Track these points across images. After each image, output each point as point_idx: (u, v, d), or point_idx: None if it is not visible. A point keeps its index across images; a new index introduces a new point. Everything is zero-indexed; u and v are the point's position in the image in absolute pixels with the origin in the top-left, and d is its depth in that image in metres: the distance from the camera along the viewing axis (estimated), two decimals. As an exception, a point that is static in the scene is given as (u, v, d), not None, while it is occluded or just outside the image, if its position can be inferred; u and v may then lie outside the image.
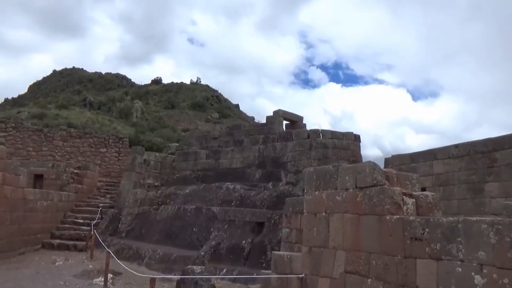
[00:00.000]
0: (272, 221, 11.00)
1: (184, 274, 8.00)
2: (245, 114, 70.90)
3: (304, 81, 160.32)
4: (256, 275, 9.79)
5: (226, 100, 73.03)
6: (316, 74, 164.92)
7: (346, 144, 15.02)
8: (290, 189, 11.87)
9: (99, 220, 15.49)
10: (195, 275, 7.68)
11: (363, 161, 15.01)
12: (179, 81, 77.26)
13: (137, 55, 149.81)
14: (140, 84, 77.86)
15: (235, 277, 9.05)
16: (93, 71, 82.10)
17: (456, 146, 9.95)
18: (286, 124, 19.78)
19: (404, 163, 11.12)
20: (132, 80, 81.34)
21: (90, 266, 11.49)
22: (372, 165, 5.38)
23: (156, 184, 16.61)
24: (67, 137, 22.08)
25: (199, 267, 7.95)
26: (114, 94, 58.78)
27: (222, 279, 9.53)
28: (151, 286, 5.92)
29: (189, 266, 8.03)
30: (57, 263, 11.78)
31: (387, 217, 4.98)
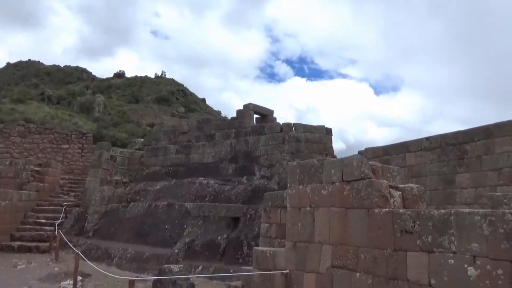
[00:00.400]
0: (248, 216, 10.84)
1: (161, 273, 7.69)
2: (211, 108, 70.10)
3: (270, 75, 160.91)
4: (234, 271, 9.61)
5: (192, 94, 71.90)
6: (282, 68, 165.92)
7: (318, 138, 15.05)
8: (266, 183, 11.73)
9: (63, 220, 14.78)
10: (173, 275, 7.40)
11: (335, 154, 15.14)
12: (143, 75, 75.22)
13: (98, 47, 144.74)
14: (102, 77, 75.31)
15: (215, 275, 8.81)
16: (51, 64, 78.57)
17: (428, 138, 10.15)
18: (256, 117, 19.67)
19: (377, 156, 11.24)
20: (93, 73, 78.50)
21: (56, 269, 10.90)
22: (360, 158, 5.31)
23: (124, 180, 16.02)
24: (25, 133, 20.91)
25: (177, 266, 7.67)
26: (74, 88, 56.55)
27: (200, 277, 9.27)
28: (129, 289, 5.60)
29: (166, 266, 7.73)
30: (18, 267, 11.08)
31: (376, 211, 4.92)
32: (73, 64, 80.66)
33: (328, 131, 15.52)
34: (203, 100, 73.69)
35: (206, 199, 12.69)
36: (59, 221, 14.38)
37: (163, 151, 17.20)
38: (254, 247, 7.12)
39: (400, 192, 5.22)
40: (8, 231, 13.70)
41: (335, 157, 14.35)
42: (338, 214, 5.46)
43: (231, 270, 9.74)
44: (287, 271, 6.10)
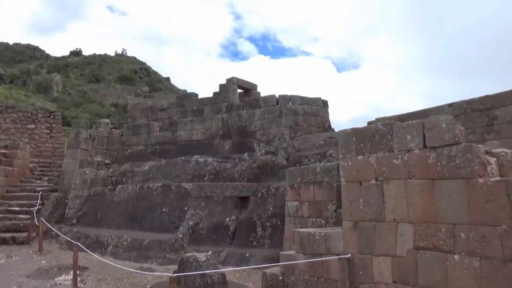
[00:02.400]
0: (259, 195, 9.86)
1: (183, 263, 6.62)
2: (176, 87, 67.47)
3: (233, 53, 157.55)
4: (250, 255, 8.73)
5: (155, 73, 68.83)
6: (245, 46, 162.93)
7: (316, 110, 14.18)
8: (273, 158, 10.75)
9: (40, 207, 13.14)
10: (199, 265, 6.35)
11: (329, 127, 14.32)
12: (102, 53, 70.82)
13: (49, 23, 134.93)
14: (57, 56, 70.33)
15: (254, 267, 7.81)
16: (-3, 42, 72.31)
17: (451, 105, 9.49)
18: (239, 92, 18.57)
19: (392, 126, 10.51)
20: (46, 51, 73.12)
21: (43, 262, 9.50)
22: (450, 119, 4.43)
23: (106, 161, 14.49)
24: (-16, 112, 18.58)
25: (204, 254, 6.62)
26: (28, 67, 52.38)
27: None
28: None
29: (189, 254, 6.67)
30: (-2, 262, 9.58)
31: (481, 181, 4.09)
32: (23, 42, 74.61)
33: (325, 103, 14.68)
34: (167, 79, 70.85)
35: (206, 179, 11.56)
36: (36, 208, 12.74)
37: (145, 129, 15.75)
38: (296, 229, 6.18)
39: (495, 158, 4.42)
40: (-23, 222, 11.96)
41: (333, 130, 13.57)
42: (420, 187, 4.60)
43: (247, 254, 8.86)
44: (349, 255, 5.22)
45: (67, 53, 71.16)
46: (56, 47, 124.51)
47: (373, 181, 5.09)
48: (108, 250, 10.34)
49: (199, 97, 17.88)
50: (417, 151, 4.67)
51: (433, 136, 4.53)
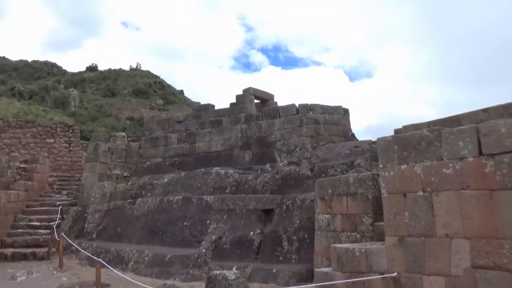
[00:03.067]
0: (284, 207, 9.42)
1: (211, 282, 6.20)
2: (190, 100, 67.68)
3: (245, 65, 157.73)
4: (277, 271, 8.25)
5: (169, 86, 69.25)
6: (257, 58, 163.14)
7: (337, 119, 13.75)
8: (297, 169, 10.32)
9: (60, 221, 12.92)
10: (229, 284, 5.93)
11: (353, 137, 13.86)
12: (117, 68, 71.58)
13: (65, 40, 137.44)
14: (73, 71, 71.42)
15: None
16: (17, 59, 73.79)
17: (485, 110, 8.92)
18: (256, 103, 18.33)
19: (420, 134, 10.03)
20: (63, 67, 74.31)
21: (64, 279, 9.19)
22: (511, 123, 3.99)
23: (125, 174, 14.25)
24: (4, 127, 18.62)
25: (233, 272, 6.18)
26: (46, 83, 53.19)
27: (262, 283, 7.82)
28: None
29: (217, 272, 6.23)
30: (18, 279, 9.28)
31: (551, 191, 3.63)
32: (40, 59, 76.02)
33: (346, 112, 14.23)
34: (181, 91, 71.22)
35: (227, 191, 11.18)
36: (55, 222, 12.52)
37: (163, 141, 15.50)
38: (333, 245, 5.74)
39: (561, 166, 3.95)
40: (-2, 237, 11.78)
41: (356, 139, 13.13)
42: (476, 199, 4.15)
43: (274, 270, 8.38)
44: (395, 274, 4.76)
45: (83, 69, 72.21)
46: (73, 63, 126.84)
47: (420, 193, 4.65)
48: (129, 266, 9.98)
49: (216, 108, 17.67)
50: (471, 159, 4.23)
51: (490, 142, 4.09)
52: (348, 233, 6.52)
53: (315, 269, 5.93)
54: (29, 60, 74.66)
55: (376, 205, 6.30)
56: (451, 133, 4.46)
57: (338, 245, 5.69)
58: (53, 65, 74.06)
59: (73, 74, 69.09)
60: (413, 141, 4.81)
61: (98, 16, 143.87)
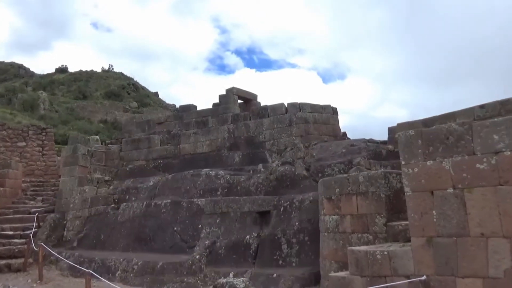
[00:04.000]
0: (282, 209, 9.02)
1: (216, 292, 5.72)
2: (165, 102, 66.38)
3: (219, 66, 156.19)
4: (278, 275, 7.84)
5: (143, 88, 67.67)
6: (231, 60, 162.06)
7: (326, 118, 13.50)
8: (293, 169, 9.95)
9: (36, 230, 12.04)
10: (238, 292, 5.48)
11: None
12: (88, 69, 69.36)
13: (33, 41, 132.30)
14: (42, 73, 68.69)
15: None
16: (-21, 60, 70.30)
17: (482, 106, 8.88)
18: (240, 103, 17.92)
19: (416, 131, 9.87)
20: (31, 69, 71.32)
21: (46, 292, 8.45)
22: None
23: (106, 178, 13.48)
24: (-30, 130, 17.38)
25: (241, 280, 5.73)
26: (13, 84, 50.87)
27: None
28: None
29: (223, 280, 5.76)
30: (-6, 294, 8.48)
31: None
32: (6, 60, 72.66)
33: (334, 111, 14.01)
34: (156, 93, 69.79)
35: (219, 193, 10.68)
36: (31, 231, 11.66)
37: (146, 143, 14.82)
38: (350, 248, 5.37)
39: None
40: (-32, 248, 10.81)
41: (348, 138, 12.91)
42: (516, 195, 3.88)
43: (274, 275, 7.97)
44: (424, 277, 4.44)
45: (53, 71, 69.56)
46: (41, 65, 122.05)
47: (450, 190, 4.36)
48: (117, 275, 9.31)
49: (198, 109, 17.11)
50: (509, 152, 3.96)
51: (531, 134, 3.83)
52: (359, 235, 6.18)
53: (330, 274, 5.53)
54: (-6, 61, 71.27)
55: (389, 204, 6.00)
56: (483, 126, 4.19)
57: (356, 248, 5.33)
58: (20, 66, 70.99)
59: (42, 76, 66.48)
60: (440, 135, 4.52)
61: (67, 17, 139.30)
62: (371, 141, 10.53)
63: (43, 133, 18.68)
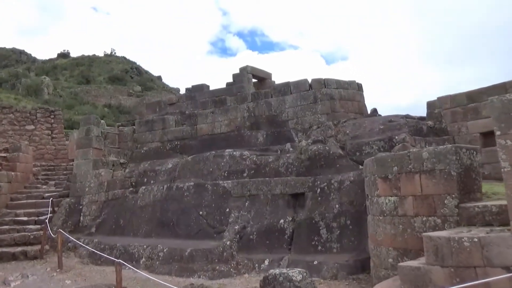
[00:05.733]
0: (318, 190, 8.25)
1: (268, 284, 4.99)
2: (168, 86, 65.33)
3: (222, 49, 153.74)
4: (319, 262, 7.11)
5: (147, 72, 66.56)
6: (234, 42, 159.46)
7: (352, 95, 12.61)
8: (326, 148, 9.13)
9: (51, 215, 11.34)
10: (295, 285, 4.74)
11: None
12: (90, 54, 68.07)
13: (32, 26, 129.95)
14: (43, 59, 67.52)
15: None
16: (-18, 47, 69.02)
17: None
18: (254, 82, 17.10)
19: (459, 105, 9.01)
20: (33, 55, 70.05)
21: (68, 282, 7.77)
22: None
23: (121, 161, 12.71)
24: (-23, 114, 16.55)
25: (297, 271, 4.97)
26: (16, 70, 49.85)
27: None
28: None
29: (276, 271, 5.01)
30: (12, 284, 7.78)
31: None
32: (7, 46, 71.34)
33: (360, 87, 13.12)
34: (159, 77, 68.70)
35: (245, 175, 9.90)
36: (47, 216, 10.96)
37: (160, 124, 13.99)
38: (426, 234, 4.60)
39: None
40: (-19, 236, 10.13)
41: (379, 115, 12.05)
42: None
43: (315, 262, 7.26)
44: (534, 268, 3.67)
45: (55, 56, 68.38)
46: (42, 50, 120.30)
47: None
48: (141, 263, 8.62)
49: (211, 88, 16.26)
50: None
51: None
52: (424, 218, 5.41)
53: (399, 264, 4.78)
54: (-5, 47, 70.09)
55: (461, 183, 5.21)
56: None
57: (433, 234, 4.55)
58: (21, 52, 69.78)
59: (44, 61, 65.39)
60: (552, 99, 3.68)
61: (65, 1, 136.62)
62: (408, 117, 9.68)
63: (52, 116, 17.85)
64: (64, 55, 68.28)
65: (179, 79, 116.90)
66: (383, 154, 6.32)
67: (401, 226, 5.67)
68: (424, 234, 4.65)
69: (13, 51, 69.37)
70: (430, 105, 9.68)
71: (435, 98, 9.53)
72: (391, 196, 5.85)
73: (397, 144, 8.14)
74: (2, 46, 70.87)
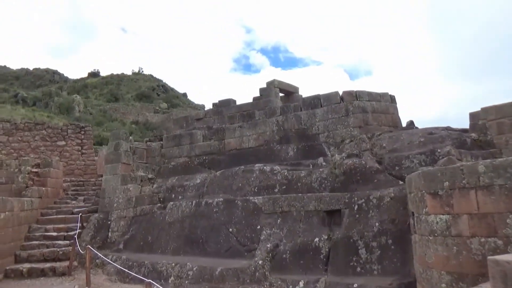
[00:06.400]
0: (356, 207, 7.73)
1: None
2: (193, 102, 66.12)
3: (245, 66, 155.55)
4: (360, 285, 6.55)
5: (172, 89, 67.78)
6: (257, 59, 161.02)
7: (385, 107, 12.09)
8: (363, 162, 8.63)
9: (80, 230, 11.21)
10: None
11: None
12: (119, 72, 69.99)
13: (64, 46, 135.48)
14: (75, 78, 69.98)
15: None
16: (18, 68, 72.16)
17: None
18: (281, 96, 16.88)
19: (506, 115, 8.36)
20: (65, 74, 72.70)
21: (96, 302, 7.49)
22: None
23: (149, 176, 12.54)
24: (11, 130, 16.88)
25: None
26: (49, 89, 51.68)
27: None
28: None
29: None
30: (40, 303, 7.58)
31: None
32: (41, 66, 74.32)
33: (393, 99, 12.57)
34: (184, 94, 69.79)
35: (276, 190, 9.49)
36: (75, 232, 10.82)
37: (188, 139, 13.82)
38: (493, 257, 4.03)
39: None
40: (12, 250, 10.03)
41: (417, 128, 11.46)
42: None
43: (355, 285, 6.68)
44: None
45: (85, 75, 70.81)
46: (73, 69, 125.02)
47: None
48: (170, 281, 8.26)
49: (237, 103, 16.09)
50: None
51: None
52: (483, 239, 4.84)
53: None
54: (30, 68, 73.26)
55: (526, 200, 4.63)
56: None
57: (501, 258, 3.98)
58: (54, 72, 72.62)
59: (75, 81, 67.70)
60: None
61: (95, 22, 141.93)
62: (449, 129, 9.07)
63: (82, 132, 18.03)
64: (94, 74, 70.63)
65: (204, 96, 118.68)
66: (431, 168, 5.78)
67: (455, 247, 5.10)
68: (489, 258, 4.09)
69: (47, 71, 72.27)
70: (474, 116, 9.05)
71: (479, 109, 8.91)
72: (442, 214, 5.30)
73: (440, 157, 7.56)
74: (37, 66, 73.92)
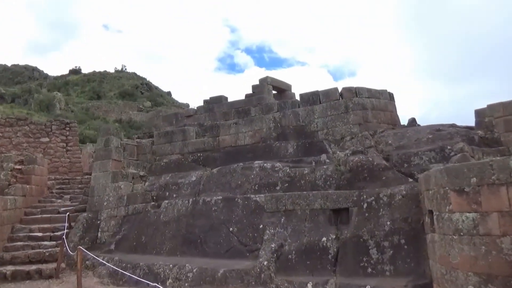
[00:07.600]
0: (365, 205, 7.39)
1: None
2: (177, 101, 65.15)
3: (230, 65, 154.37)
4: (374, 287, 6.21)
5: (156, 88, 66.66)
6: (242, 58, 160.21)
7: (384, 104, 11.85)
8: (370, 159, 8.31)
9: (67, 231, 10.55)
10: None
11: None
12: (101, 70, 68.29)
13: (45, 44, 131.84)
14: (55, 75, 67.99)
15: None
16: (-4, 64, 69.67)
17: None
18: (273, 94, 16.60)
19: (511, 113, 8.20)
20: (45, 71, 70.48)
21: (89, 307, 6.91)
22: None
23: (141, 174, 11.94)
24: (-8, 125, 15.95)
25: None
26: (29, 86, 49.96)
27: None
28: None
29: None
30: (26, 309, 6.95)
31: None
32: (20, 63, 71.93)
33: (391, 96, 12.36)
34: (169, 93, 68.73)
35: (278, 188, 9.08)
36: (63, 232, 10.16)
37: (180, 136, 13.27)
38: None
39: None
40: (-6, 253, 9.33)
41: (419, 125, 11.25)
42: None
43: (367, 287, 6.33)
44: None
45: (66, 72, 68.83)
46: (54, 66, 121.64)
47: None
48: (168, 284, 7.74)
49: (229, 100, 15.66)
50: None
51: None
52: (515, 238, 4.56)
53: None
54: (9, 64, 70.84)
55: None
56: None
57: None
58: (34, 69, 70.37)
59: (56, 78, 65.82)
60: None
61: (77, 19, 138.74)
62: (455, 126, 8.86)
63: (67, 128, 17.21)
64: (75, 72, 68.73)
65: (188, 94, 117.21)
66: (456, 164, 5.47)
67: (483, 247, 4.80)
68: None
69: (26, 68, 69.93)
70: (479, 113, 8.86)
71: (485, 106, 8.72)
72: (469, 212, 4.99)
73: (450, 154, 7.31)
74: (16, 63, 71.49)
